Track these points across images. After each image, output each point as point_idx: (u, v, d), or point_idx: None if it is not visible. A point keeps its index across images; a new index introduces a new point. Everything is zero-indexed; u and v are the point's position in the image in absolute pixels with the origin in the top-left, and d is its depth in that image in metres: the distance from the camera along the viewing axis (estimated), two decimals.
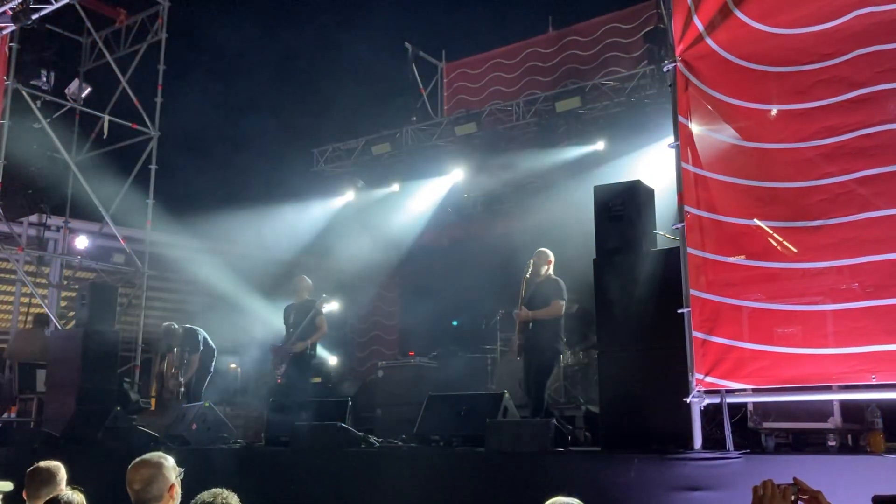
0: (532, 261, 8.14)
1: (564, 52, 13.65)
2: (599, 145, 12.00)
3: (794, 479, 2.44)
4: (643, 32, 11.95)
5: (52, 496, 3.34)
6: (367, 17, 15.33)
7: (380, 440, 7.10)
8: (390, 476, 6.25)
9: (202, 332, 10.10)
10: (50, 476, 3.90)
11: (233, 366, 13.08)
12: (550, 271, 8.14)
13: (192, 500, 2.99)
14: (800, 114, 5.26)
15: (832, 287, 5.07)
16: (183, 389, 9.80)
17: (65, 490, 3.54)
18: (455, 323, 11.59)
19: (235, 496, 3.07)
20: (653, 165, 9.54)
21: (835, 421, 5.18)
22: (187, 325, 10.18)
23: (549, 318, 7.84)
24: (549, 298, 7.85)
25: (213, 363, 10.30)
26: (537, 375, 7.64)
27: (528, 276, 8.11)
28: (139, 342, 11.92)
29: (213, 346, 10.26)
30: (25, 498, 3.91)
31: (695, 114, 5.66)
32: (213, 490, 3.04)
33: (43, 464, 3.97)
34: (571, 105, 11.99)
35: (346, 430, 6.85)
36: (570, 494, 5.12)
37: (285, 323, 9.14)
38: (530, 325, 7.90)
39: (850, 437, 5.39)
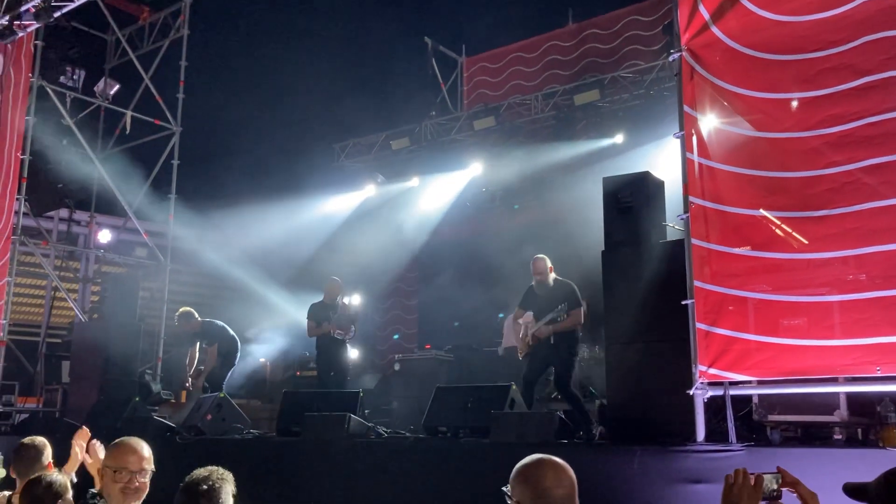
0: (534, 268, 7.93)
1: (585, 45, 13.58)
2: (618, 138, 11.93)
3: (778, 467, 2.42)
4: (663, 25, 11.84)
5: (35, 476, 3.40)
6: (387, 13, 15.37)
7: (388, 431, 7.13)
8: (397, 466, 6.29)
9: (219, 324, 10.18)
10: (37, 453, 3.97)
11: (262, 360, 13.24)
12: (555, 275, 7.97)
13: (188, 476, 3.00)
14: (806, 102, 5.19)
15: (838, 278, 5.00)
16: (193, 382, 9.96)
17: (53, 470, 3.62)
18: (456, 324, 11.61)
19: (231, 476, 3.08)
20: (671, 158, 9.43)
21: (841, 414, 5.11)
22: (206, 319, 10.26)
23: (571, 327, 7.67)
24: (564, 304, 7.66)
25: (237, 355, 10.40)
26: (560, 379, 7.58)
27: (533, 284, 7.97)
28: (161, 335, 12.08)
29: (235, 338, 10.33)
30: (14, 475, 3.99)
31: (700, 103, 5.61)
32: (210, 467, 3.05)
33: (28, 440, 4.04)
34: (590, 98, 11.93)
35: (355, 421, 6.89)
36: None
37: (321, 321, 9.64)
38: (552, 338, 7.68)
39: (859, 431, 5.31)
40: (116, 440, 3.29)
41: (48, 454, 4.03)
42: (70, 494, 3.42)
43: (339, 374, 9.74)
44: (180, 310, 10.27)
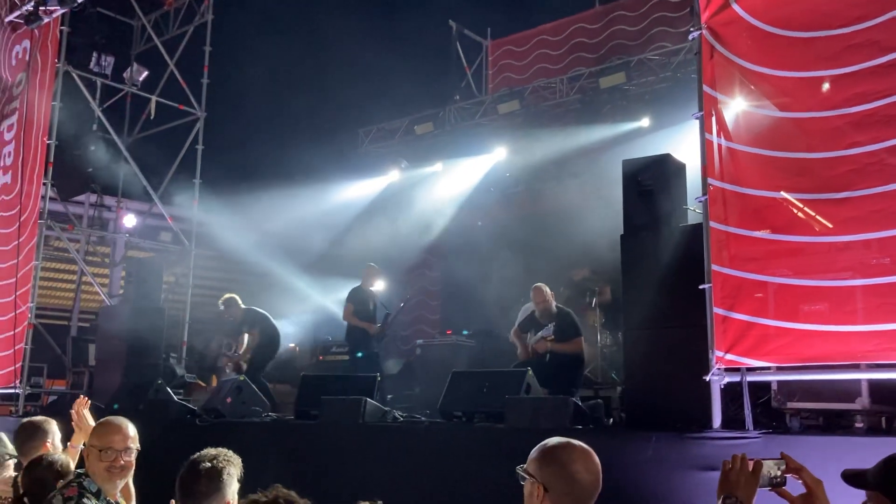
0: (535, 297, 8.29)
1: (611, 27, 13.40)
2: (644, 122, 11.76)
3: (781, 453, 2.35)
4: (690, 6, 11.60)
5: (36, 456, 3.42)
6: None
7: (404, 415, 7.11)
8: (411, 450, 6.27)
9: (262, 312, 10.34)
10: (41, 432, 3.98)
11: (292, 345, 13.31)
12: (556, 303, 8.31)
13: (195, 454, 2.99)
14: (829, 81, 5.04)
15: (860, 261, 4.86)
16: (237, 365, 10.10)
17: (58, 447, 3.63)
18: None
19: (238, 460, 3.06)
20: (697, 142, 9.28)
21: (863, 402, 4.97)
22: (249, 307, 10.41)
23: (570, 352, 7.95)
24: (567, 334, 7.94)
25: (279, 346, 10.54)
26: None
27: (536, 313, 8.24)
28: (186, 319, 12.18)
29: (277, 328, 10.45)
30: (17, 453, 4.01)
31: (720, 83, 5.48)
32: (220, 449, 3.04)
33: (27, 420, 4.06)
34: (616, 81, 11.78)
35: (371, 405, 6.88)
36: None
37: (364, 307, 9.91)
38: (547, 356, 7.91)
39: (882, 419, 5.17)
40: (101, 420, 3.29)
41: (52, 432, 4.04)
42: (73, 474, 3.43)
43: (372, 356, 9.84)
44: (224, 296, 10.51)
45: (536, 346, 7.96)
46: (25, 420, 4.10)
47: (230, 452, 3.03)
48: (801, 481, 2.29)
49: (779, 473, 2.30)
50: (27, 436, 4.00)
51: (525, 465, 2.41)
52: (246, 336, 10.26)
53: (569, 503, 2.33)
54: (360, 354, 9.84)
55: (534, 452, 2.42)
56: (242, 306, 10.34)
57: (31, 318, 10.22)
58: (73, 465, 3.44)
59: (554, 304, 8.23)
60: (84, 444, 4.18)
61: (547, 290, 8.28)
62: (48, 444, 3.94)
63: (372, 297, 10.15)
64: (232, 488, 2.85)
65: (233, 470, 2.94)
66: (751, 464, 2.26)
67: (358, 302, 9.92)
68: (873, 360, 4.76)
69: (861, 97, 4.86)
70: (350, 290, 10.17)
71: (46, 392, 11.76)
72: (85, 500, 3.03)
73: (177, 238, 12.57)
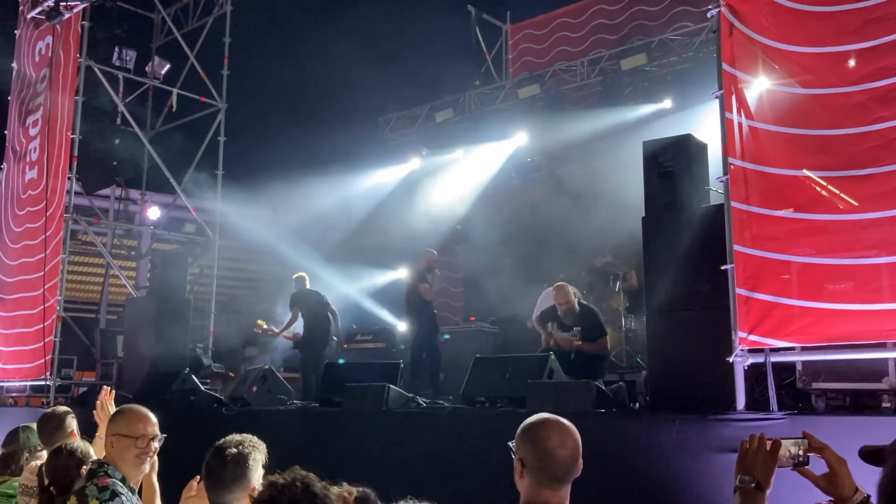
0: (557, 297, 8.23)
1: (631, 8, 13.25)
2: (666, 103, 11.63)
3: (803, 432, 2.31)
4: None
5: (57, 445, 3.47)
6: None
7: (427, 401, 7.13)
8: (435, 436, 6.28)
9: (308, 292, 10.85)
10: (67, 422, 4.03)
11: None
12: (579, 300, 8.31)
13: (220, 440, 3.02)
14: (851, 55, 4.94)
15: (886, 238, 4.77)
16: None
17: (77, 438, 3.68)
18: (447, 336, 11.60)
19: (263, 445, 3.09)
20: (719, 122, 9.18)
21: (890, 381, 4.90)
22: (300, 288, 10.99)
23: (596, 352, 7.97)
24: (592, 334, 7.94)
25: (329, 333, 10.83)
26: None
27: (559, 313, 8.21)
28: (212, 309, 12.28)
29: (326, 312, 10.76)
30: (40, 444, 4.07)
31: (740, 61, 5.39)
32: (245, 435, 3.07)
33: (49, 410, 4.10)
34: (637, 62, 11.65)
35: (394, 392, 6.90)
36: (608, 454, 5.05)
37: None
38: (572, 355, 7.85)
39: None
40: (122, 408, 3.32)
41: (70, 421, 4.09)
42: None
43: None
44: (296, 274, 11.17)
45: (563, 343, 7.90)
46: (47, 411, 4.15)
47: (255, 438, 3.06)
48: (823, 460, 2.26)
49: (801, 453, 2.27)
50: (54, 426, 4.04)
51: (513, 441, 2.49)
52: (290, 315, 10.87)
53: (543, 478, 2.39)
54: (447, 336, 10.41)
55: (518, 428, 2.50)
56: (295, 288, 10.95)
57: (59, 311, 10.37)
58: (93, 453, 3.49)
59: (577, 302, 8.11)
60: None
61: (570, 289, 8.16)
62: (76, 433, 4.00)
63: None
64: (257, 473, 2.88)
65: (258, 455, 2.97)
66: (769, 444, 2.23)
67: (426, 281, 10.14)
68: None
69: (885, 71, 4.77)
70: (416, 272, 10.32)
71: (76, 384, 11.94)
72: (119, 488, 3.08)
73: (201, 229, 12.67)
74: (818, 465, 2.28)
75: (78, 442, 3.50)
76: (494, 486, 5.81)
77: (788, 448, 2.25)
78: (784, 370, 5.36)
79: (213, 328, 12.26)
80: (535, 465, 2.41)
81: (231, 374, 11.76)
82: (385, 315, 12.76)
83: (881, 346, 4.77)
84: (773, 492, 2.19)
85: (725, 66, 5.44)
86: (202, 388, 8.95)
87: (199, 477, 3.07)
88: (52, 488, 3.36)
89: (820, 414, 5.04)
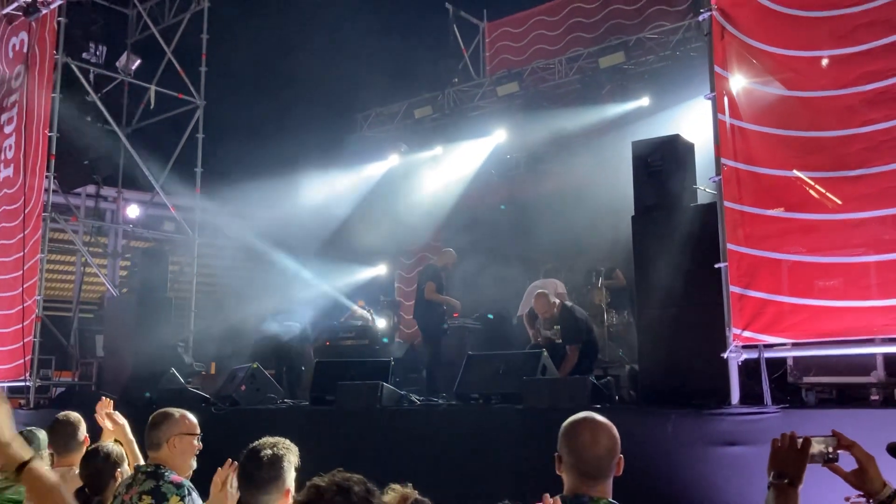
0: (537, 307, 8.35)
1: (608, 6, 13.37)
2: (644, 101, 11.77)
3: (833, 431, 2.39)
4: None
5: (92, 448, 3.49)
6: None
7: (420, 399, 7.18)
8: (430, 433, 6.34)
9: None
10: (73, 430, 3.99)
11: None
12: (563, 302, 8.39)
13: (254, 443, 3.05)
14: (841, 59, 5.09)
15: (875, 237, 4.94)
16: None
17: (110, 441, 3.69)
18: (490, 316, 11.64)
19: (295, 448, 3.12)
20: (699, 120, 9.31)
21: (878, 375, 5.06)
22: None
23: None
24: (567, 339, 8.01)
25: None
26: None
27: (540, 321, 8.41)
28: (192, 307, 12.21)
29: None
30: (52, 452, 4.00)
31: (731, 63, 5.52)
32: (277, 437, 3.10)
33: (62, 416, 4.04)
34: (615, 61, 11.75)
35: (387, 390, 6.94)
36: None
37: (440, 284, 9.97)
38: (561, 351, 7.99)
39: None
40: (166, 411, 3.36)
41: (83, 429, 4.07)
42: (126, 464, 3.51)
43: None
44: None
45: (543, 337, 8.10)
46: (61, 417, 4.11)
47: (288, 441, 3.11)
48: (852, 457, 2.35)
49: (830, 450, 2.34)
50: (70, 433, 3.97)
51: None
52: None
53: (577, 474, 2.50)
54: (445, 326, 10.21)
55: None
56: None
57: (38, 311, 10.24)
58: (125, 456, 3.51)
59: (557, 310, 8.22)
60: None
61: (549, 298, 8.28)
62: (88, 438, 3.99)
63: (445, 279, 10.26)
64: (291, 475, 2.92)
65: (292, 457, 3.01)
66: (800, 441, 2.31)
67: (438, 280, 9.96)
68: (888, 335, 4.86)
69: (874, 75, 4.92)
70: (427, 269, 10.22)
71: (55, 384, 11.80)
72: (189, 484, 3.24)
73: (180, 227, 12.57)
74: (847, 462, 2.38)
75: (112, 444, 3.51)
76: (489, 483, 5.91)
77: (818, 445, 2.33)
78: (774, 365, 5.49)
79: (193, 326, 12.19)
80: (568, 461, 2.52)
81: (205, 374, 11.72)
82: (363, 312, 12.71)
83: (870, 342, 4.94)
84: (803, 488, 2.28)
85: (717, 69, 5.56)
86: (188, 387, 8.91)
87: (224, 474, 3.14)
88: (86, 489, 3.38)
89: (811, 407, 5.19)
